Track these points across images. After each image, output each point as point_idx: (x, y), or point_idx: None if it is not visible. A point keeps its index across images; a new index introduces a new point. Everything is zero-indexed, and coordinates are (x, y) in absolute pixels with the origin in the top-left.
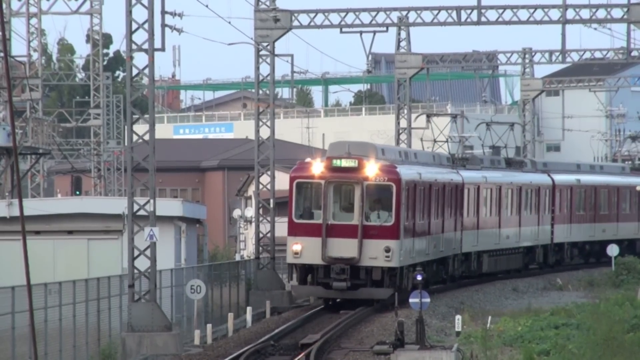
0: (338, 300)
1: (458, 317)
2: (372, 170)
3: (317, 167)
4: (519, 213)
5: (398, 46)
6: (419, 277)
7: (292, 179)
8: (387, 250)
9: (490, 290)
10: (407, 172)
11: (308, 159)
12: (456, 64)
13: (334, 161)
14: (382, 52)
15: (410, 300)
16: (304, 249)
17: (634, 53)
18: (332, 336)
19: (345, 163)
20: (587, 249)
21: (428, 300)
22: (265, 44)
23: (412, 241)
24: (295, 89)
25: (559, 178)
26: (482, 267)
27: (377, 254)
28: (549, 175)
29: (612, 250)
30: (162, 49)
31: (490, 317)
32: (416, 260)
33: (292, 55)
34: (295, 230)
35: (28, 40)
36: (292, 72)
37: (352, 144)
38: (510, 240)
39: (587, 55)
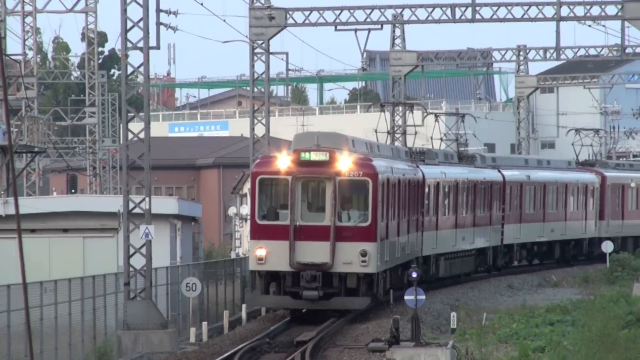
0: (304, 310)
1: (453, 314)
2: (345, 163)
3: (283, 162)
4: (474, 212)
5: (393, 44)
6: (414, 275)
7: (254, 175)
8: (364, 254)
9: (485, 287)
10: (382, 166)
11: (273, 153)
12: (451, 61)
13: (302, 154)
14: (377, 49)
15: (406, 297)
16: (268, 254)
17: (628, 50)
18: (328, 333)
19: (314, 156)
20: (536, 250)
21: (423, 297)
22: (260, 42)
23: (387, 244)
24: (290, 87)
25: (510, 174)
26: (439, 271)
27: (352, 258)
28: (499, 171)
29: (607, 246)
30: (157, 47)
31: (485, 314)
32: (389, 265)
33: (287, 53)
34: (258, 233)
35: (23, 38)
36: (287, 69)
37: (322, 135)
38: (465, 242)
39: (582, 52)
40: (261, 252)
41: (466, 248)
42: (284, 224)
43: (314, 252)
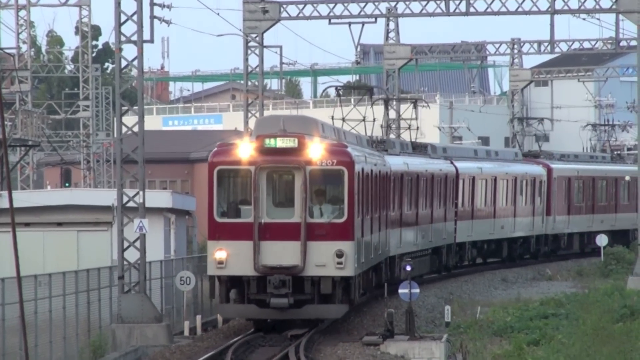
0: (268, 320)
1: (447, 308)
2: (316, 151)
3: (245, 150)
4: (432, 207)
5: (387, 37)
6: (408, 268)
7: (211, 166)
8: (340, 254)
9: (479, 281)
10: (357, 154)
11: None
12: (445, 54)
13: (267, 141)
14: (371, 43)
15: (400, 290)
16: (230, 257)
17: (623, 43)
18: (322, 327)
19: (281, 143)
20: (485, 249)
21: (417, 290)
22: (254, 36)
23: (363, 243)
24: (284, 80)
25: (462, 166)
26: (401, 272)
27: (327, 260)
28: (452, 163)
29: (601, 240)
30: (151, 41)
31: (479, 308)
32: (365, 267)
33: (280, 47)
34: (217, 232)
35: (17, 32)
36: (281, 63)
37: (288, 119)
38: (425, 240)
39: (576, 45)
40: (221, 254)
41: (425, 247)
42: (246, 221)
43: (282, 253)
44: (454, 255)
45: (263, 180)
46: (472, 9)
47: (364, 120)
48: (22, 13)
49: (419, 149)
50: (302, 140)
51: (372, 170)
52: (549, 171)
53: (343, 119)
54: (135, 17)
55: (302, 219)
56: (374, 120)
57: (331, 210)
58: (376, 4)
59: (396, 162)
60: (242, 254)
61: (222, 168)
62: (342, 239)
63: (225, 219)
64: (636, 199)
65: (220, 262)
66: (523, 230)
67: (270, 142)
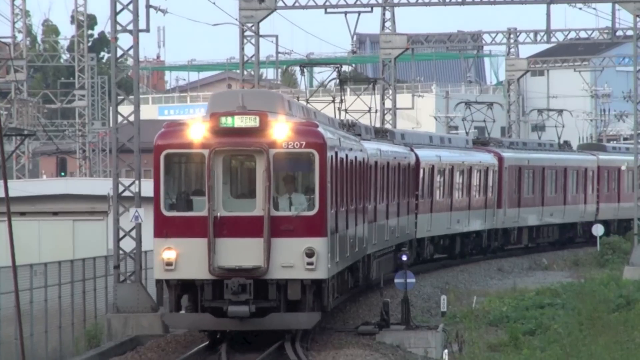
0: (227, 331)
1: (443, 297)
2: (282, 131)
3: (197, 130)
4: (398, 199)
5: (383, 26)
6: (404, 258)
7: (157, 150)
8: (310, 253)
9: (475, 271)
10: (330, 136)
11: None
12: (441, 44)
13: (223, 119)
14: (367, 32)
15: (396, 280)
16: (180, 257)
17: (619, 33)
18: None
19: (239, 122)
20: (441, 245)
21: (413, 280)
22: (249, 25)
23: (337, 239)
24: (280, 70)
25: (423, 154)
26: (372, 271)
27: (295, 259)
28: (412, 150)
29: (597, 229)
30: (147, 30)
31: (475, 297)
32: (340, 267)
33: (276, 36)
34: (165, 228)
35: (12, 21)
36: (277, 52)
37: (248, 94)
38: (392, 236)
39: (572, 35)
40: (170, 254)
41: (390, 244)
42: (200, 215)
43: (242, 252)
44: (414, 252)
45: (219, 166)
46: None
47: (369, 111)
48: (18, 2)
49: (380, 134)
50: (264, 119)
51: (347, 156)
52: (500, 160)
53: (346, 110)
54: (131, 6)
55: (266, 211)
56: (377, 111)
57: (300, 201)
58: None
59: (371, 147)
60: (195, 253)
61: (170, 152)
62: (313, 235)
63: (175, 212)
64: (597, 190)
65: (169, 264)
66: (477, 224)
67: (227, 121)
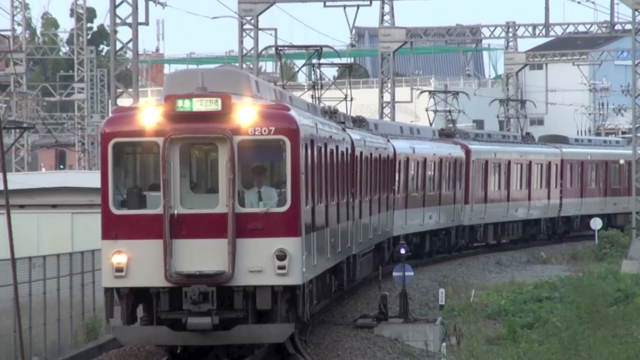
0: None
1: (442, 291)
2: (248, 115)
3: (150, 115)
4: (379, 193)
5: (382, 20)
6: (402, 251)
7: (105, 138)
8: (281, 256)
9: (473, 264)
10: (304, 121)
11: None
12: (440, 37)
13: (179, 103)
14: (366, 26)
15: (394, 273)
16: (132, 262)
17: (618, 27)
18: (315, 310)
19: (199, 105)
20: (414, 242)
21: (411, 273)
22: (249, 18)
23: (314, 239)
24: (279, 63)
25: (399, 145)
26: (357, 273)
27: (264, 263)
28: (389, 141)
29: (596, 223)
30: (146, 23)
31: (473, 291)
32: (318, 270)
33: (275, 29)
34: (114, 228)
35: (12, 14)
36: (276, 45)
37: (209, 73)
38: (375, 234)
39: (571, 29)
40: (120, 258)
41: (372, 243)
42: (154, 213)
43: (204, 255)
44: (389, 252)
45: (175, 157)
46: None
47: (345, 99)
48: None
49: (358, 123)
50: (227, 102)
51: (326, 145)
52: (467, 153)
53: (319, 99)
54: (130, 0)
55: (230, 208)
56: (352, 99)
57: (269, 196)
58: None
59: (357, 139)
60: (149, 257)
61: (119, 141)
62: (285, 234)
63: (126, 210)
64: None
65: (119, 270)
66: (445, 221)
67: (184, 105)
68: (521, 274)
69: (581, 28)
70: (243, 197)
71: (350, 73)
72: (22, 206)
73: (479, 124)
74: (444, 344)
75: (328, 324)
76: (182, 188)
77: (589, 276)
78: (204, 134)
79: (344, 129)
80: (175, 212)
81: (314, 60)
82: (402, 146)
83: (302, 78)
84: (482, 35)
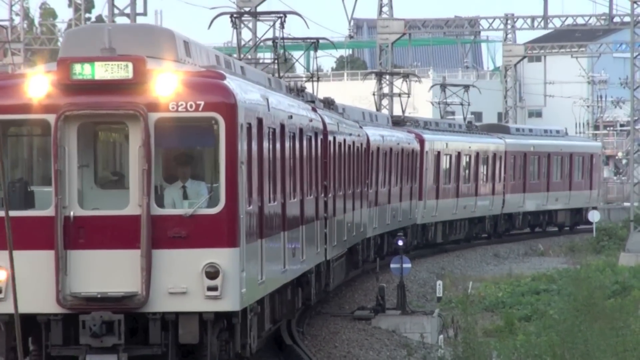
0: None
1: (439, 283)
2: (168, 84)
3: (38, 85)
4: (353, 188)
5: (380, 11)
6: (400, 243)
7: None
8: (212, 272)
9: (471, 256)
10: (248, 95)
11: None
12: (438, 29)
13: (77, 68)
14: (364, 17)
15: (392, 265)
16: (10, 281)
17: (616, 19)
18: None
19: (103, 71)
20: (378, 244)
21: (409, 265)
22: (247, 9)
23: (261, 249)
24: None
25: (370, 132)
26: (330, 280)
27: (189, 282)
28: (361, 127)
29: (594, 216)
30: (144, 14)
31: (471, 283)
32: (267, 290)
33: (274, 20)
34: None
35: (10, 4)
36: (274, 37)
37: (119, 30)
38: (348, 236)
39: (569, 21)
40: None
41: (347, 246)
42: (43, 215)
43: (109, 272)
44: (367, 250)
45: (72, 140)
46: None
47: (311, 78)
48: None
49: (327, 105)
50: (141, 67)
51: (282, 126)
52: (421, 143)
53: (281, 76)
54: None
55: (144, 209)
56: (319, 79)
57: (198, 193)
58: None
59: (329, 121)
60: (36, 274)
61: None
62: (217, 244)
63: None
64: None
65: None
66: (404, 218)
67: (84, 71)
68: (519, 266)
69: (580, 20)
70: (162, 194)
71: (317, 47)
72: None
73: (477, 116)
74: (441, 336)
75: (325, 315)
76: (83, 181)
77: (587, 269)
78: (109, 110)
79: (314, 109)
80: (72, 213)
81: (312, 53)
82: (373, 133)
83: (300, 69)
84: (481, 27)
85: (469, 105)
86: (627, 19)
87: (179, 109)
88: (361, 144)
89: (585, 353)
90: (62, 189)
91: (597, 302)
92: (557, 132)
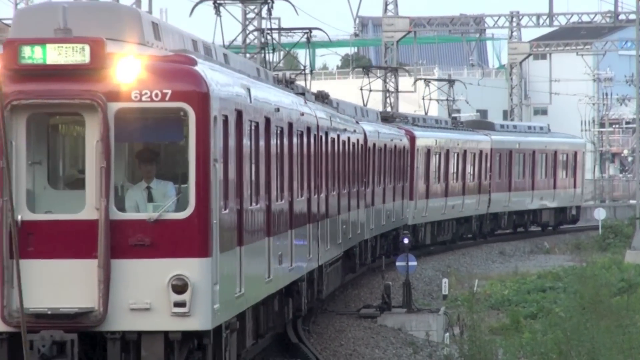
0: None
1: (445, 281)
2: (131, 70)
3: None
4: (349, 187)
5: (385, 9)
6: (406, 241)
7: None
8: (180, 286)
9: (477, 254)
10: (222, 83)
11: None
12: (443, 27)
13: (26, 51)
14: (370, 15)
15: (397, 263)
16: None
17: (622, 16)
18: (318, 300)
19: (57, 55)
20: (373, 247)
21: (415, 263)
22: (252, 7)
23: (239, 259)
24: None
25: (367, 128)
26: (323, 288)
27: (153, 297)
28: (358, 122)
29: (599, 213)
30: (149, 12)
31: (477, 281)
32: (251, 301)
33: (279, 19)
34: None
35: (15, 2)
36: (280, 35)
37: (76, 8)
38: (344, 240)
39: (575, 18)
40: None
41: (341, 250)
42: None
43: (62, 285)
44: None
45: (20, 133)
46: None
47: (303, 71)
48: None
49: (320, 98)
50: (100, 50)
51: (268, 119)
52: (412, 140)
53: (272, 69)
54: None
55: (102, 212)
56: (312, 71)
57: (164, 195)
58: None
59: (323, 117)
60: None
61: None
62: (186, 253)
63: None
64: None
65: None
66: (397, 219)
67: (34, 54)
68: (525, 264)
69: (585, 18)
70: (123, 196)
71: (310, 40)
72: None
73: (483, 113)
74: (447, 333)
75: (331, 313)
76: (34, 181)
77: (593, 266)
78: (62, 99)
79: (306, 102)
80: (19, 217)
81: (308, 46)
82: (370, 130)
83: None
84: (486, 25)
85: (454, 101)
86: (632, 16)
87: (143, 98)
88: (357, 140)
89: (591, 351)
90: (8, 189)
91: (603, 299)
92: (541, 128)
